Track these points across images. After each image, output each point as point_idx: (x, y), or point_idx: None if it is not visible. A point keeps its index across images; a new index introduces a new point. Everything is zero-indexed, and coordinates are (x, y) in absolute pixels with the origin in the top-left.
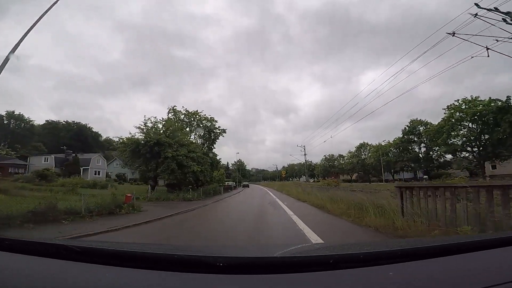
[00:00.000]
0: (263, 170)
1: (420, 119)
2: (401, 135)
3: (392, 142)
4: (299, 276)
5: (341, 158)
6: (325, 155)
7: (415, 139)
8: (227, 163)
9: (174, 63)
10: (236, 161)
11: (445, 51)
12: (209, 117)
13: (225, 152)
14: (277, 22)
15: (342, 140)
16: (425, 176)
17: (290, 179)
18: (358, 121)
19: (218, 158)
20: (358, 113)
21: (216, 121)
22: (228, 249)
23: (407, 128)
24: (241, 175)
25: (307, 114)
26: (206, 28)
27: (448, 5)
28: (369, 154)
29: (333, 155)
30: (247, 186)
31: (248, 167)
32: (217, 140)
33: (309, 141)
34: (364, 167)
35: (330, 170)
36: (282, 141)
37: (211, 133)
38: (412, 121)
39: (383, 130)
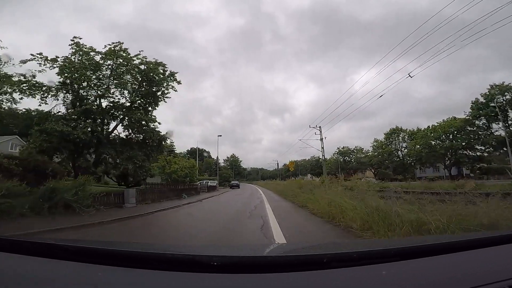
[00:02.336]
0: (262, 168)
1: (507, 84)
2: (470, 111)
3: (444, 122)
4: (293, 275)
5: (359, 152)
6: (338, 148)
7: (493, 114)
8: (217, 157)
9: (168, 62)
10: (228, 156)
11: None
12: (153, 61)
13: (224, 152)
14: (271, 21)
15: (340, 140)
16: (469, 173)
17: (293, 177)
18: (347, 116)
19: (157, 127)
20: (353, 112)
21: (164, 66)
22: (222, 249)
23: (479, 100)
24: (236, 173)
25: (302, 113)
26: (200, 28)
27: (441, 3)
28: (413, 142)
29: (348, 147)
30: (237, 186)
31: (246, 166)
32: (164, 97)
33: (306, 140)
34: (398, 160)
35: (347, 166)
36: (279, 141)
37: (152, 84)
38: (492, 87)
39: (381, 130)
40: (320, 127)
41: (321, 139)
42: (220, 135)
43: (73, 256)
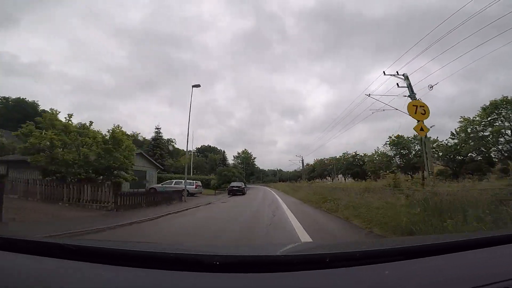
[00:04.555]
0: (280, 170)
1: None
2: None
3: None
4: (295, 275)
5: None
6: (391, 136)
7: None
8: (223, 151)
9: (180, 66)
10: (239, 152)
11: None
12: None
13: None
14: (278, 22)
15: (357, 142)
16: None
17: (317, 180)
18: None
19: None
20: (368, 112)
21: None
22: (225, 248)
23: None
24: (248, 173)
25: (316, 115)
26: (209, 31)
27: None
28: None
29: (403, 136)
30: (239, 192)
31: (263, 167)
32: None
33: (323, 143)
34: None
35: (407, 162)
36: (294, 143)
37: None
38: None
39: (402, 132)
40: (405, 75)
41: (411, 95)
42: (198, 85)
43: (75, 256)
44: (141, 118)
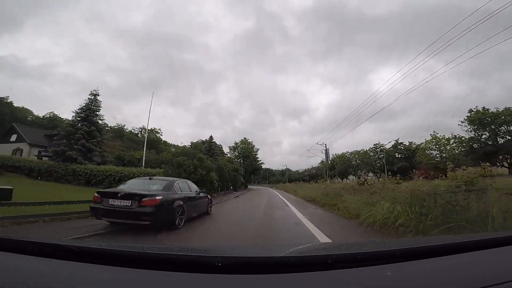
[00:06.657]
0: (288, 169)
1: None
2: None
3: None
4: (297, 276)
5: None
6: (472, 110)
7: None
8: (210, 136)
9: (184, 68)
10: (237, 142)
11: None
12: None
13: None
14: (279, 22)
15: (359, 143)
16: None
17: (338, 178)
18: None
19: None
20: (373, 111)
21: None
22: (226, 249)
23: None
24: (249, 170)
25: (321, 116)
26: (211, 33)
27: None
28: None
29: (488, 109)
30: (128, 215)
31: (271, 168)
32: None
33: (330, 144)
34: None
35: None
36: (298, 144)
37: None
38: None
39: (408, 132)
40: None
41: None
42: None
43: (77, 257)
44: (144, 118)
